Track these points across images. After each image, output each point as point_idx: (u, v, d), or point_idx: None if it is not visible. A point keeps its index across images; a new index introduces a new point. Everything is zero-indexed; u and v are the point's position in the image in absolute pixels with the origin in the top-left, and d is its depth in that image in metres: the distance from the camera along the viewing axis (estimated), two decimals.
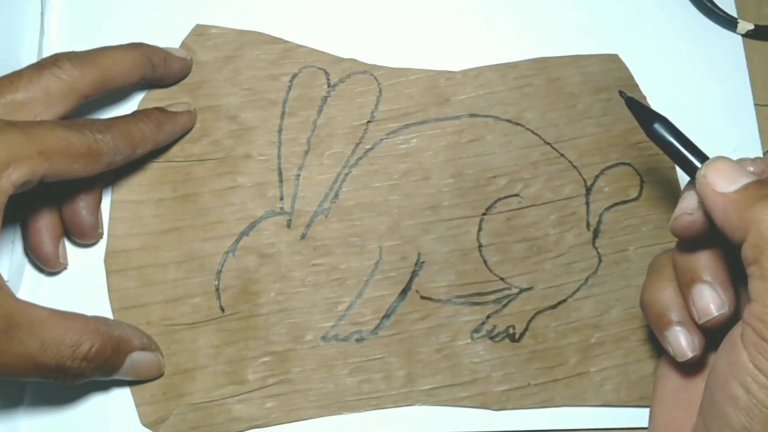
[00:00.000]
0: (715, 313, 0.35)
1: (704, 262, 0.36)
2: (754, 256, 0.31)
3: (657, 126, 0.36)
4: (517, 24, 0.49)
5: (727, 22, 0.49)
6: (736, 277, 0.36)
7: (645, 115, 0.37)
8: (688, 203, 0.35)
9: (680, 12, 0.50)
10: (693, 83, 0.48)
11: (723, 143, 0.47)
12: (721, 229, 0.33)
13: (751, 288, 0.32)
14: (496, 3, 0.49)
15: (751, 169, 0.35)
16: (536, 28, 0.49)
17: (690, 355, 0.36)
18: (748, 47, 0.49)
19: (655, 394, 0.40)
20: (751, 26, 0.49)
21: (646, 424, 0.41)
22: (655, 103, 0.47)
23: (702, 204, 0.34)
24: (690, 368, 0.38)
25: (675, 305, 0.37)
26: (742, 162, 0.35)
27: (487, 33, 0.48)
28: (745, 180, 0.33)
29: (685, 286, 0.36)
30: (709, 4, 0.49)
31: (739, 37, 0.49)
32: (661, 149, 0.36)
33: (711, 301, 0.35)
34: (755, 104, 0.48)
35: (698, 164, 0.35)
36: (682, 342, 0.36)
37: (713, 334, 0.36)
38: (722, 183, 0.33)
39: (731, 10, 0.50)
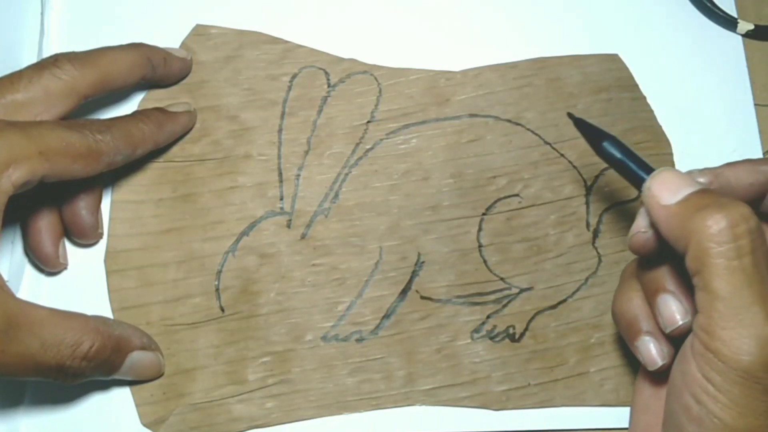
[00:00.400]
0: (680, 322, 0.35)
1: (666, 272, 0.36)
2: (695, 268, 0.31)
3: (606, 144, 0.37)
4: (516, 24, 0.49)
5: (727, 22, 0.49)
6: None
7: (593, 135, 0.37)
8: (641, 221, 0.35)
9: (680, 12, 0.50)
10: (693, 83, 0.48)
11: (723, 143, 0.47)
12: (668, 241, 0.33)
13: (696, 299, 0.32)
14: (495, 3, 0.49)
15: (702, 180, 0.35)
16: (536, 29, 0.49)
17: (659, 363, 0.37)
18: (748, 47, 0.49)
19: (633, 400, 0.40)
20: (751, 26, 0.49)
21: None
22: (655, 103, 0.47)
23: (650, 218, 0.34)
24: (660, 377, 0.38)
25: (643, 315, 0.37)
26: (690, 173, 0.35)
27: (486, 33, 0.48)
28: (687, 190, 0.33)
29: (650, 296, 0.36)
30: (709, 4, 0.49)
31: (739, 37, 0.49)
32: (611, 167, 0.37)
33: (675, 310, 0.35)
34: (755, 104, 0.48)
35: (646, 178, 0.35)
36: (652, 351, 0.37)
37: (681, 342, 0.36)
38: (665, 195, 0.33)
39: (731, 10, 0.50)
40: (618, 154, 0.36)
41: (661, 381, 0.38)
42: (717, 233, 0.31)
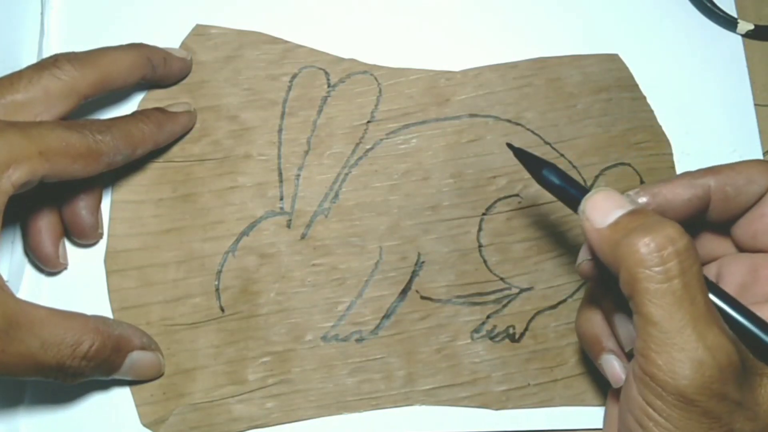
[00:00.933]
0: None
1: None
2: (628, 293, 0.31)
3: (545, 172, 0.36)
4: (516, 24, 0.49)
5: (727, 22, 0.49)
6: None
7: (533, 163, 0.37)
8: (583, 249, 0.35)
9: (680, 12, 0.50)
10: (693, 83, 0.48)
11: (723, 143, 0.47)
12: (604, 264, 0.33)
13: (633, 323, 0.32)
14: (495, 3, 0.49)
15: (640, 199, 0.35)
16: (536, 29, 0.49)
17: (623, 381, 0.36)
18: (748, 47, 0.49)
19: (603, 418, 0.40)
20: (751, 26, 0.49)
21: None
22: (655, 103, 0.47)
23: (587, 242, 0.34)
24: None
25: (605, 334, 0.37)
26: (627, 194, 0.35)
27: (486, 33, 0.48)
28: (619, 212, 0.32)
29: (608, 316, 0.36)
30: (709, 4, 0.49)
31: (739, 37, 0.49)
32: (552, 194, 0.36)
33: (630, 330, 0.35)
34: (755, 104, 0.48)
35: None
36: (616, 368, 0.36)
37: None
38: (598, 218, 0.32)
39: (731, 10, 0.50)
40: (557, 181, 0.36)
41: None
42: (644, 257, 0.30)
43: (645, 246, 0.30)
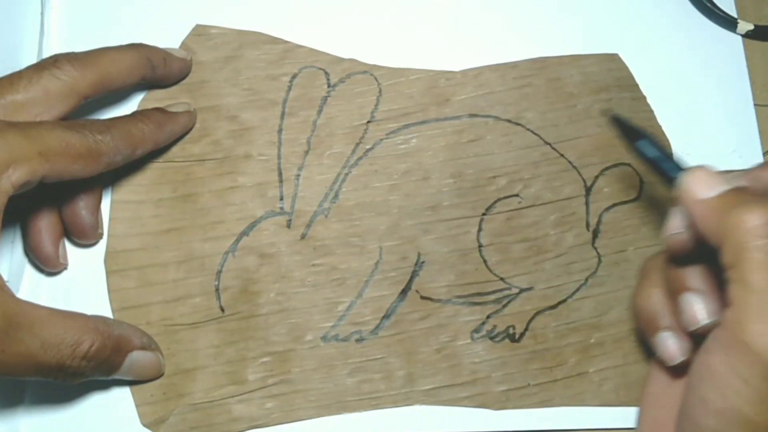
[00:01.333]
0: (702, 322, 0.35)
1: (693, 271, 0.36)
2: (731, 261, 0.32)
3: (640, 144, 0.37)
4: (516, 24, 0.49)
5: (727, 23, 0.49)
6: (723, 285, 0.36)
7: (629, 133, 0.38)
8: (676, 221, 0.35)
9: (680, 12, 0.50)
10: (693, 83, 0.48)
11: (723, 143, 0.47)
12: (703, 234, 0.33)
13: (728, 292, 0.32)
14: (495, 3, 0.49)
15: (738, 182, 0.35)
16: (536, 29, 0.49)
17: (680, 359, 0.37)
18: (748, 47, 0.49)
19: (644, 394, 0.40)
20: (751, 26, 0.49)
21: None
22: (655, 103, 0.47)
23: (686, 213, 0.34)
24: (678, 370, 0.38)
25: (664, 311, 0.38)
26: (724, 173, 0.36)
27: (486, 33, 0.48)
28: (724, 187, 0.33)
29: (673, 293, 0.37)
30: (708, 5, 0.49)
31: (739, 38, 0.49)
32: (647, 165, 0.37)
33: (698, 310, 0.36)
34: (755, 104, 0.48)
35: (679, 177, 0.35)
36: (671, 347, 0.37)
37: (702, 339, 0.36)
38: (702, 190, 0.33)
39: (731, 10, 0.50)
40: (652, 153, 0.37)
41: (676, 375, 0.39)
42: (755, 228, 0.31)
43: (757, 218, 0.31)
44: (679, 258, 0.37)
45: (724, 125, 0.47)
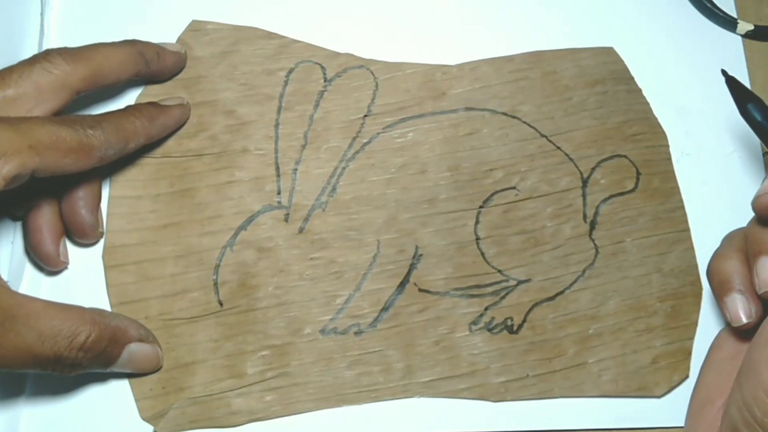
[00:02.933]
0: None
1: None
2: None
3: (750, 106, 0.39)
4: (512, 18, 0.49)
5: (727, 23, 0.49)
6: None
7: (741, 95, 0.39)
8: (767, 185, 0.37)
9: (680, 12, 0.50)
10: (693, 83, 0.48)
11: (722, 143, 0.47)
12: None
13: None
14: None
15: None
16: (531, 22, 0.49)
17: (744, 320, 0.38)
18: (747, 47, 0.49)
19: (706, 360, 0.41)
20: (751, 27, 0.49)
21: (645, 424, 0.42)
22: (655, 103, 0.48)
23: None
24: (744, 338, 0.40)
25: (738, 274, 0.39)
26: None
27: (482, 27, 0.48)
28: None
29: (752, 257, 0.38)
30: (708, 5, 0.49)
31: (739, 38, 0.50)
32: (752, 129, 0.39)
33: None
34: None
35: None
36: (739, 308, 0.39)
37: None
38: None
39: (731, 11, 0.50)
40: (759, 117, 0.39)
41: (742, 341, 0.40)
42: None
43: None
44: (763, 221, 0.38)
45: (724, 125, 0.48)
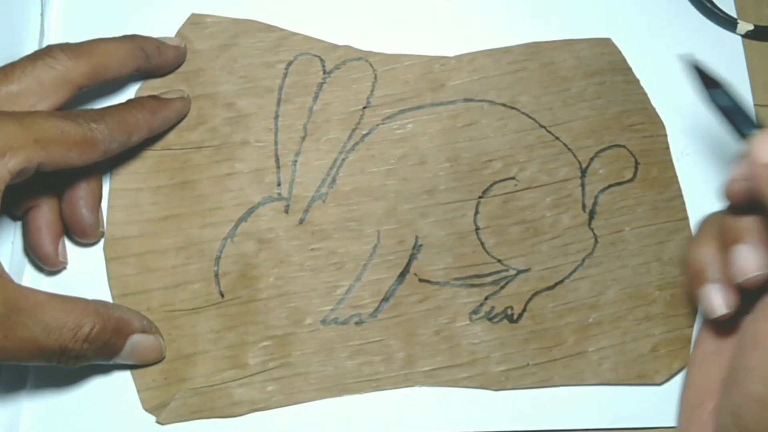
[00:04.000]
0: (753, 273, 0.35)
1: (750, 224, 0.36)
2: None
3: (715, 91, 0.38)
4: (510, 9, 0.49)
5: (727, 23, 0.50)
6: None
7: (705, 80, 0.38)
8: (741, 170, 0.36)
9: (680, 12, 0.50)
10: (693, 84, 0.48)
11: (722, 143, 0.47)
12: (762, 197, 0.34)
13: None
14: None
15: None
16: (529, 14, 0.49)
17: (720, 312, 0.37)
18: (747, 48, 0.50)
19: (692, 357, 0.40)
20: (751, 27, 0.49)
21: (645, 424, 0.42)
22: (655, 103, 0.48)
23: (749, 172, 0.35)
24: (725, 332, 0.38)
25: (714, 263, 0.37)
26: None
27: (480, 18, 0.49)
28: None
29: (727, 245, 0.37)
30: (708, 5, 0.50)
31: (739, 38, 0.50)
32: (717, 115, 0.38)
33: (750, 261, 0.35)
34: (755, 104, 0.48)
35: (750, 132, 0.36)
36: (715, 299, 0.37)
37: (750, 297, 0.36)
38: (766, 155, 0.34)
39: (731, 11, 0.50)
40: (725, 103, 0.37)
41: (724, 336, 0.39)
42: None
43: None
44: (736, 209, 0.37)
45: (724, 125, 0.48)
